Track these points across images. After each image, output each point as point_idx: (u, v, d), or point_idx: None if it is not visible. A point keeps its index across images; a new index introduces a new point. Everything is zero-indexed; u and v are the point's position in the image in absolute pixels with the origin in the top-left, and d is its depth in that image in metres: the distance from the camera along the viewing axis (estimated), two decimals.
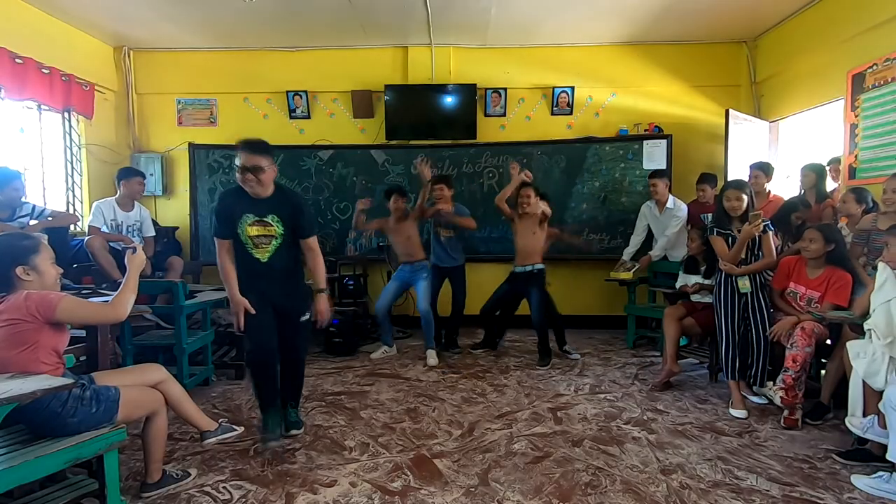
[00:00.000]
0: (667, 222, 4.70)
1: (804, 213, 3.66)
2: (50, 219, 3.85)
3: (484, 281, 4.91)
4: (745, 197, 3.20)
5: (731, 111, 4.87)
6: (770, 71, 5.18)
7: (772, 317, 3.20)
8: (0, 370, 1.85)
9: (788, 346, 2.96)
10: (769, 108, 5.25)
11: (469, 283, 4.71)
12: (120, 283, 3.34)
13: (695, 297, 3.84)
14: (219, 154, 5.51)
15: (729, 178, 4.73)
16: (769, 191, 4.25)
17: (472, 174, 5.53)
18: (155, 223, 5.40)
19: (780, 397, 2.94)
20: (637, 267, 4.82)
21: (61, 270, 2.16)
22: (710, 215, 4.36)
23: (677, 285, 4.11)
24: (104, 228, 4.22)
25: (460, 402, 3.39)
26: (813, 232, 3.11)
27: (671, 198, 4.71)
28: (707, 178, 4.68)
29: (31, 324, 1.88)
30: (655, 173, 4.78)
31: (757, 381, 3.24)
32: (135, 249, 2.26)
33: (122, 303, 2.09)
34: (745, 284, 3.21)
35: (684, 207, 4.71)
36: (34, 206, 3.83)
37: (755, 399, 3.30)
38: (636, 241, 4.96)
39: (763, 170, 4.20)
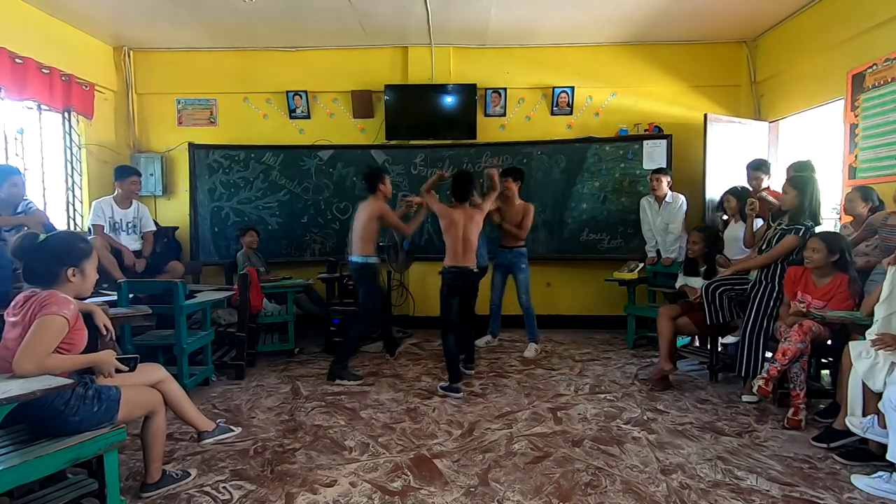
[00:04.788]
0: (667, 216, 4.75)
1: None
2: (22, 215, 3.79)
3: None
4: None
5: (709, 115, 4.97)
6: (770, 71, 5.18)
7: (768, 310, 3.26)
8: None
9: (783, 339, 2.96)
10: (769, 108, 5.25)
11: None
12: (120, 282, 3.38)
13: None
14: (219, 154, 5.50)
15: (707, 179, 4.92)
16: (768, 186, 4.30)
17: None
18: (155, 223, 5.41)
19: (759, 386, 2.95)
20: (641, 267, 4.83)
21: (97, 276, 2.16)
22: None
23: (677, 285, 4.11)
24: (105, 226, 4.22)
25: (460, 402, 3.39)
26: (816, 241, 3.05)
27: (668, 192, 4.77)
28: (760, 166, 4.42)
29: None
30: (659, 170, 4.82)
31: (748, 373, 3.30)
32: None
33: (39, 365, 1.81)
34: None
35: (682, 198, 4.77)
36: (30, 203, 3.82)
37: (747, 398, 3.32)
38: (649, 233, 4.96)
39: (759, 168, 4.28)
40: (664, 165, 5.11)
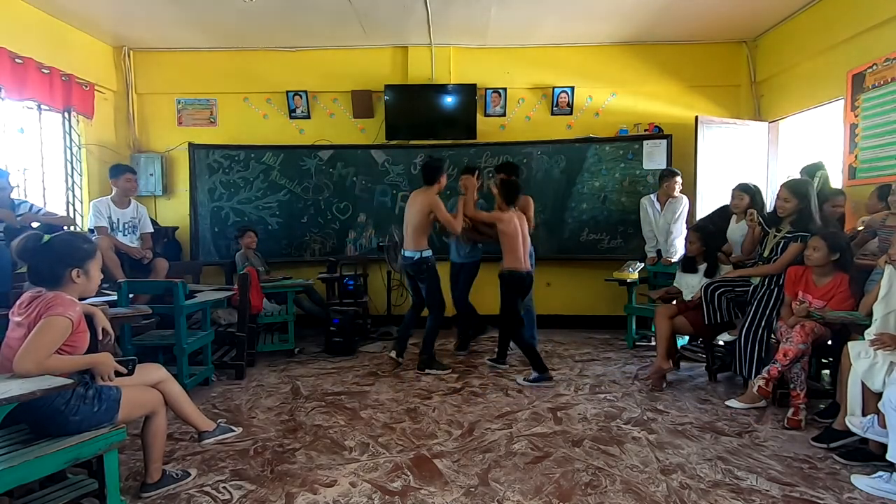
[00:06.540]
0: (670, 216, 4.75)
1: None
2: (42, 214, 3.84)
3: (485, 281, 4.89)
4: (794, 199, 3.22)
5: (700, 117, 5.00)
6: (770, 71, 5.18)
7: (767, 309, 3.28)
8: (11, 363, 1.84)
9: (784, 340, 2.96)
10: (769, 108, 5.25)
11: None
12: (120, 282, 3.38)
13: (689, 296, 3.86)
14: (219, 154, 5.51)
15: (701, 181, 4.93)
16: None
17: None
18: (155, 223, 5.41)
19: (759, 386, 2.95)
20: (641, 267, 4.83)
21: (102, 276, 2.17)
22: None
23: (675, 284, 4.10)
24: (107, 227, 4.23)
25: (460, 402, 3.39)
26: (816, 240, 3.03)
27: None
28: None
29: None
30: (672, 172, 4.79)
31: (751, 374, 3.30)
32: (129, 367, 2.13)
33: (40, 365, 1.80)
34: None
35: (685, 198, 4.78)
36: (32, 206, 3.84)
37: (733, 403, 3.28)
38: (650, 233, 4.95)
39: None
40: (664, 166, 5.11)
